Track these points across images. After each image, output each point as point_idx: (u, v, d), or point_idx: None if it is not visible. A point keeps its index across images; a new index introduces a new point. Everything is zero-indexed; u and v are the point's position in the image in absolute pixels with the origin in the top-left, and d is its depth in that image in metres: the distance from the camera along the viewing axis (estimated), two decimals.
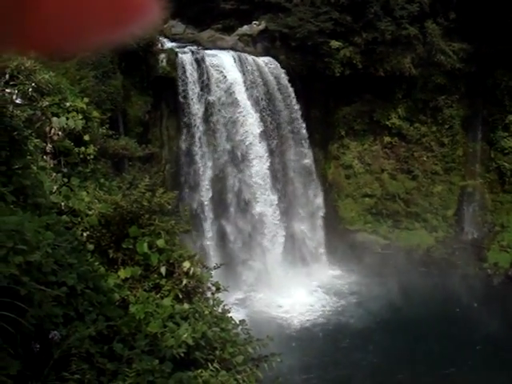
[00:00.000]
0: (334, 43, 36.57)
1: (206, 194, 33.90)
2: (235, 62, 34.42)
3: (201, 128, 33.30)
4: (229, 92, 33.46)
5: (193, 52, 34.08)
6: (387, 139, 40.32)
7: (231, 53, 35.15)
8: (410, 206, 40.49)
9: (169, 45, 34.19)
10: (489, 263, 38.38)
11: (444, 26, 37.76)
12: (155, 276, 7.39)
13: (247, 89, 34.16)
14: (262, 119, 34.83)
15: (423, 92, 39.14)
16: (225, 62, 33.96)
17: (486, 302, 35.13)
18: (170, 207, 8.29)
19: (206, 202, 33.94)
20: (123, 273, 7.28)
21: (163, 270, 7.31)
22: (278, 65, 36.11)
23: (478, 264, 38.54)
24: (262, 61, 35.89)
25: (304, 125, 37.20)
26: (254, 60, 35.39)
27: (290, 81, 36.00)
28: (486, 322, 32.48)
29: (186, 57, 32.99)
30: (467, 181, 40.45)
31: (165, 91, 32.73)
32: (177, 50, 33.68)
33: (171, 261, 7.50)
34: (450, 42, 37.73)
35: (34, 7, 1.14)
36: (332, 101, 39.58)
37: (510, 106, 38.26)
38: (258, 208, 35.15)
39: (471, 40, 37.55)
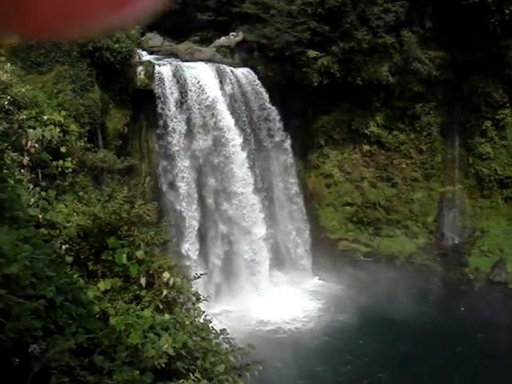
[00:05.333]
0: (312, 53, 36.74)
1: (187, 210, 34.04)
2: (214, 73, 34.45)
3: (180, 141, 33.28)
4: (208, 104, 33.46)
5: (171, 64, 34.10)
6: (366, 147, 40.56)
7: (209, 64, 35.20)
8: (390, 213, 40.70)
9: (146, 57, 34.16)
10: (470, 268, 38.66)
11: (420, 34, 38.17)
12: (135, 287, 7.36)
13: (226, 100, 34.22)
14: (242, 131, 34.92)
15: (401, 100, 39.46)
16: (203, 74, 33.97)
17: (468, 306, 35.42)
18: (149, 218, 8.27)
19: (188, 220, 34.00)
20: (103, 285, 7.25)
21: (143, 281, 7.29)
22: (256, 76, 36.22)
23: (459, 269, 38.80)
24: (240, 72, 35.99)
25: (286, 135, 37.58)
26: (232, 71, 35.47)
27: (268, 91, 36.14)
28: (470, 325, 32.80)
29: (163, 69, 32.99)
30: (446, 187, 40.76)
31: (144, 104, 32.68)
32: (155, 62, 33.67)
33: (151, 272, 7.48)
34: (426, 50, 38.11)
35: None
36: (311, 110, 39.74)
37: (486, 112, 38.67)
38: (241, 221, 35.26)
39: (447, 48, 37.99)
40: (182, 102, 32.98)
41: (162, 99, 32.59)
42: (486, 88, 38.10)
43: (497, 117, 38.65)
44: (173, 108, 32.68)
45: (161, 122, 33.01)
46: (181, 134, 33.21)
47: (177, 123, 32.98)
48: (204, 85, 33.38)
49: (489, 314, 33.97)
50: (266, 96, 36.27)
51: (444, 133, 40.56)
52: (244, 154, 34.73)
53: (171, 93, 32.61)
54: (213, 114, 33.61)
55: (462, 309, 35.25)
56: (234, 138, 34.24)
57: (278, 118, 37.22)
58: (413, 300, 34.75)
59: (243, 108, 35.49)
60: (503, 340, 31.83)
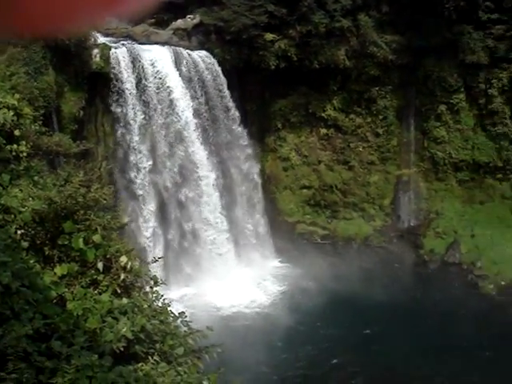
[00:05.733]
0: (269, 36, 36.74)
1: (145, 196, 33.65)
2: (170, 56, 34.11)
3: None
4: (164, 86, 33.13)
5: (127, 47, 33.63)
6: (323, 131, 40.80)
7: (166, 47, 34.84)
8: (347, 196, 41.10)
9: (102, 40, 33.60)
10: (425, 250, 39.32)
11: (376, 18, 38.40)
12: (92, 272, 7.31)
13: (183, 83, 33.93)
14: (197, 113, 34.74)
15: (357, 83, 39.73)
16: (160, 57, 33.60)
17: (424, 287, 36.12)
18: (105, 202, 8.20)
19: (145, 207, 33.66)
20: (59, 270, 7.18)
21: (100, 265, 7.24)
22: (213, 58, 36.01)
23: (415, 251, 39.43)
24: (197, 55, 35.74)
25: (239, 122, 37.53)
26: (189, 54, 35.20)
27: (225, 74, 35.99)
28: (427, 307, 33.48)
29: (119, 52, 32.51)
30: (402, 170, 41.30)
31: (99, 87, 32.20)
32: (110, 44, 33.16)
33: (108, 256, 7.42)
34: (382, 34, 38.39)
35: None
36: (268, 94, 39.79)
37: (441, 96, 39.22)
38: (199, 207, 35.10)
39: (403, 32, 38.32)
40: (138, 85, 32.56)
41: (118, 82, 32.07)
42: (441, 72, 38.61)
43: (451, 101, 39.25)
44: (129, 91, 32.24)
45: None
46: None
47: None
48: (161, 68, 32.96)
49: (445, 294, 34.77)
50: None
51: (400, 116, 41.03)
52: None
53: (127, 76, 32.11)
54: (169, 97, 33.24)
55: (419, 290, 35.88)
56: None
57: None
58: (371, 282, 35.23)
59: (200, 90, 35.16)
60: (460, 320, 32.52)
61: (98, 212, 8.01)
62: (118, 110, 32.16)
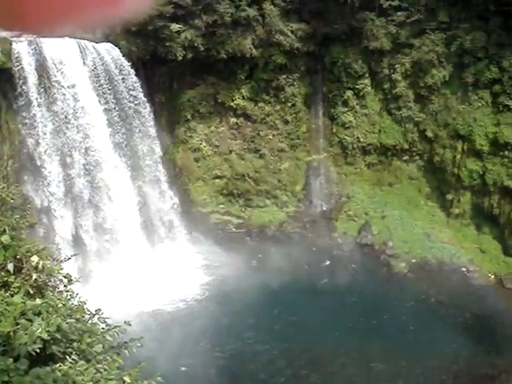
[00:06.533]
0: (174, 26, 36.46)
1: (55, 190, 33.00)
2: (75, 50, 33.27)
3: (43, 121, 32.02)
4: (70, 81, 32.32)
5: (29, 41, 32.54)
6: (233, 120, 40.97)
7: (70, 40, 33.91)
8: (259, 184, 41.48)
9: (1, 34, 32.36)
10: (338, 233, 40.23)
11: (281, 7, 38.72)
12: (2, 274, 7.10)
13: (89, 77, 33.26)
14: (105, 109, 34.28)
15: (265, 72, 40.06)
16: (64, 51, 32.71)
17: (339, 270, 36.95)
18: (13, 201, 7.98)
19: (56, 200, 32.98)
20: None
21: (10, 266, 7.03)
22: (119, 51, 35.40)
23: (329, 234, 40.25)
24: (103, 47, 35.03)
25: (150, 113, 37.22)
26: (94, 47, 34.44)
27: (132, 66, 35.48)
28: (343, 289, 34.26)
29: (21, 46, 31.45)
30: (312, 156, 42.03)
31: (2, 83, 31.11)
32: (11, 39, 32.00)
33: (19, 256, 7.22)
34: (288, 23, 38.77)
35: None
36: (176, 85, 39.61)
37: (347, 82, 40.10)
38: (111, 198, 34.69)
39: (308, 20, 38.87)
40: (42, 81, 31.60)
41: (21, 78, 31.01)
42: (347, 59, 39.44)
43: (357, 86, 40.18)
44: (33, 87, 31.24)
45: (20, 103, 31.58)
46: (43, 116, 31.94)
47: (38, 104, 31.63)
48: (65, 61, 32.11)
49: (360, 276, 35.86)
50: (131, 71, 35.57)
51: (308, 103, 41.69)
52: (109, 134, 34.33)
53: (30, 71, 31.03)
54: (76, 93, 32.53)
55: (335, 274, 36.63)
56: (96, 119, 33.74)
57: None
58: (289, 269, 35.71)
59: (107, 84, 34.59)
60: (377, 300, 33.58)
61: (6, 212, 7.78)
62: (22, 105, 31.22)
